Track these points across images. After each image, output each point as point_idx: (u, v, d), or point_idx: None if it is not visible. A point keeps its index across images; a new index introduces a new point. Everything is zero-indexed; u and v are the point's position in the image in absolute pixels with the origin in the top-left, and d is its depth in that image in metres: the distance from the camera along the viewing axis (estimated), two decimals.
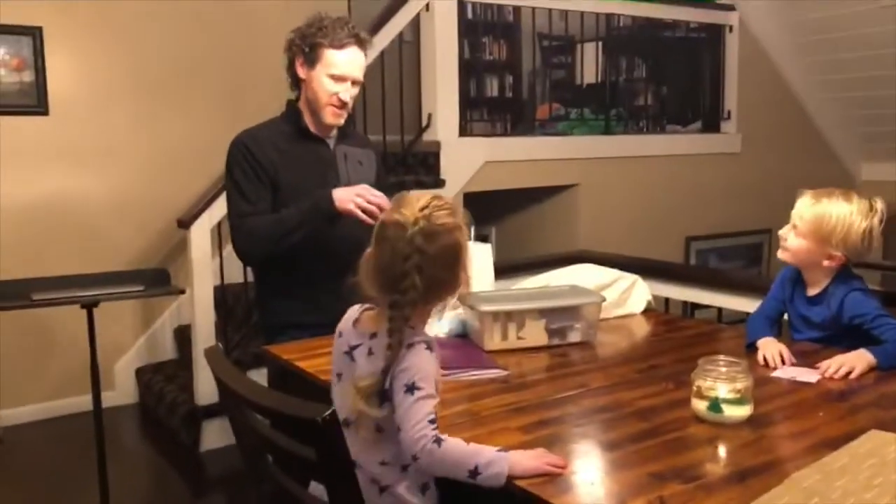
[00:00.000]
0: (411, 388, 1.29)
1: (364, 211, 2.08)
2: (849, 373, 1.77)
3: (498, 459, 1.27)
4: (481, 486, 1.26)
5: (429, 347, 1.34)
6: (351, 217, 2.10)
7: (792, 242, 2.01)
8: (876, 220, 1.93)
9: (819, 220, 1.95)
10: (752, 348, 2.01)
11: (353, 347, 1.41)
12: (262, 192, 2.21)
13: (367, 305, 1.44)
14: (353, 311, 1.46)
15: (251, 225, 2.19)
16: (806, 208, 1.98)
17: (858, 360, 1.80)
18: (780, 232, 2.04)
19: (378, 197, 2.10)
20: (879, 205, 1.95)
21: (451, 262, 1.35)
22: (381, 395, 1.32)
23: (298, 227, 2.15)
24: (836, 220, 1.93)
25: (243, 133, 2.29)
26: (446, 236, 1.34)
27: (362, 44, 2.25)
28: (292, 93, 2.33)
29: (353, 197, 2.10)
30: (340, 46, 2.20)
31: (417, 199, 1.35)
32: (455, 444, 1.29)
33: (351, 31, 2.22)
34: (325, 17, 2.22)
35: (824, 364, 1.81)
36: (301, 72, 2.24)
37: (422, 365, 1.31)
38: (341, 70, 2.21)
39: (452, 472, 1.28)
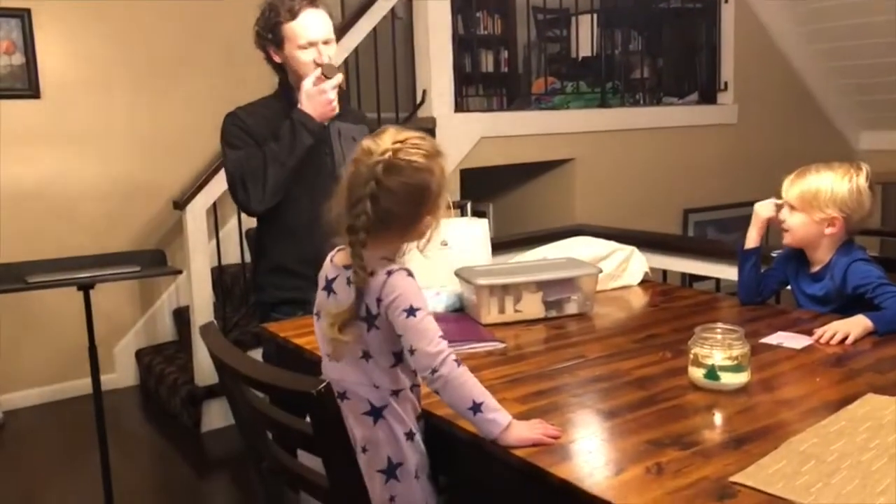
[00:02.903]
0: (411, 311, 1.31)
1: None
2: (844, 338, 1.77)
3: (502, 413, 1.30)
4: (473, 425, 1.31)
5: (409, 274, 1.36)
6: (328, 116, 2.19)
7: (791, 221, 2.01)
8: (861, 178, 1.95)
9: (804, 189, 1.98)
10: (745, 257, 2.12)
11: (332, 280, 1.43)
12: (253, 148, 2.21)
13: (341, 246, 1.45)
14: (331, 253, 1.48)
15: (242, 170, 2.19)
16: (791, 185, 2.02)
17: (855, 325, 1.80)
18: (780, 216, 2.04)
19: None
20: (864, 165, 1.98)
21: (411, 199, 1.35)
22: (366, 320, 1.34)
23: (286, 150, 2.16)
24: (820, 184, 1.96)
25: (236, 109, 2.30)
26: (410, 173, 1.34)
27: (315, 2, 2.24)
28: (277, 74, 2.32)
29: (315, 95, 2.15)
30: (295, 15, 2.19)
31: (398, 133, 1.36)
32: (470, 375, 1.33)
33: None
34: None
35: (820, 330, 1.81)
36: (276, 58, 2.25)
37: (410, 288, 1.34)
38: (307, 36, 2.20)
39: (459, 397, 1.31)
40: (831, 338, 1.78)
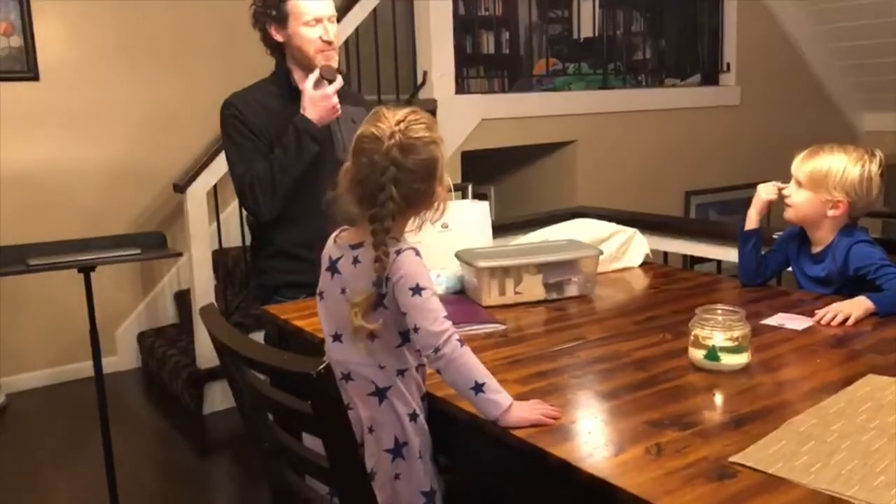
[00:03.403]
0: (417, 290, 1.32)
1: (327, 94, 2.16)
2: (845, 320, 1.77)
3: (504, 395, 1.31)
4: (474, 405, 1.31)
5: (417, 253, 1.37)
6: (330, 119, 2.18)
7: (795, 198, 2.00)
8: (874, 165, 1.93)
9: (815, 168, 1.96)
10: (745, 238, 2.12)
11: (335, 260, 1.43)
12: (257, 151, 2.20)
13: (343, 227, 1.46)
14: (333, 235, 1.48)
15: (250, 180, 2.18)
16: (802, 162, 2.00)
17: (856, 306, 1.79)
18: (784, 191, 2.03)
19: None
20: (878, 153, 1.95)
21: (427, 174, 1.36)
22: (375, 306, 1.35)
23: (293, 159, 2.15)
24: (832, 165, 1.94)
25: (232, 96, 2.27)
26: (422, 149, 1.35)
27: None
28: (274, 56, 2.30)
29: (318, 101, 2.15)
30: None
31: (394, 113, 1.36)
32: (473, 355, 1.33)
33: None
34: None
35: (821, 312, 1.80)
36: (278, 36, 2.22)
37: (418, 269, 1.34)
38: (313, 12, 2.18)
39: (462, 377, 1.31)
40: (832, 319, 1.77)
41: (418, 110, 1.39)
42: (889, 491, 1.03)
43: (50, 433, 3.65)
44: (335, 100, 2.18)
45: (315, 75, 2.17)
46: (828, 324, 1.77)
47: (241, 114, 2.21)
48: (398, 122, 1.34)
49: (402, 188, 1.33)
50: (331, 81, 2.18)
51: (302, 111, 2.16)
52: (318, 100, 2.16)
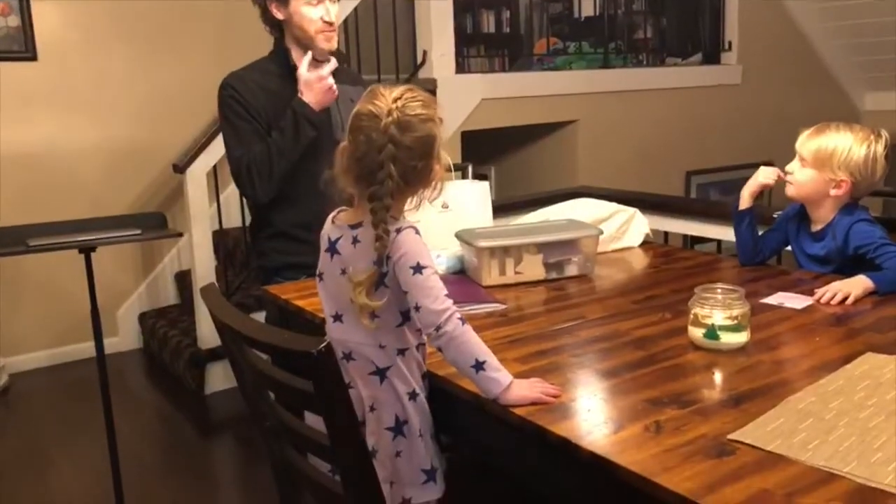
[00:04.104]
0: (418, 268, 1.32)
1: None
2: (845, 299, 1.77)
3: (504, 373, 1.31)
4: (475, 383, 1.32)
5: (417, 231, 1.37)
6: (328, 102, 2.17)
7: (798, 176, 1.99)
8: (879, 146, 1.92)
9: (821, 146, 1.95)
10: (739, 218, 2.13)
11: (335, 241, 1.43)
12: (255, 133, 2.19)
13: (340, 208, 1.46)
14: (331, 215, 1.48)
15: (247, 163, 2.18)
16: (808, 139, 1.98)
17: (855, 285, 1.80)
18: (787, 167, 2.03)
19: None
20: (884, 133, 1.94)
21: (425, 152, 1.36)
22: (377, 285, 1.36)
23: (290, 143, 2.15)
24: (837, 144, 1.93)
25: (230, 76, 2.26)
26: (420, 126, 1.34)
27: None
28: (273, 34, 2.29)
29: (314, 83, 2.13)
30: None
31: (391, 91, 1.36)
32: (474, 333, 1.34)
33: None
34: None
35: (820, 290, 1.81)
36: (279, 14, 2.20)
37: (418, 247, 1.34)
38: None
39: (462, 355, 1.32)
40: (832, 298, 1.78)
41: (415, 88, 1.39)
42: (886, 467, 1.04)
43: (52, 413, 3.67)
44: (331, 80, 2.17)
45: (308, 58, 2.16)
46: (827, 302, 1.77)
47: (239, 94, 2.20)
48: (395, 100, 1.33)
49: (401, 166, 1.32)
50: (324, 63, 2.16)
51: (299, 95, 2.16)
52: (314, 82, 2.15)
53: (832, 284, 1.82)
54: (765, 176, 2.09)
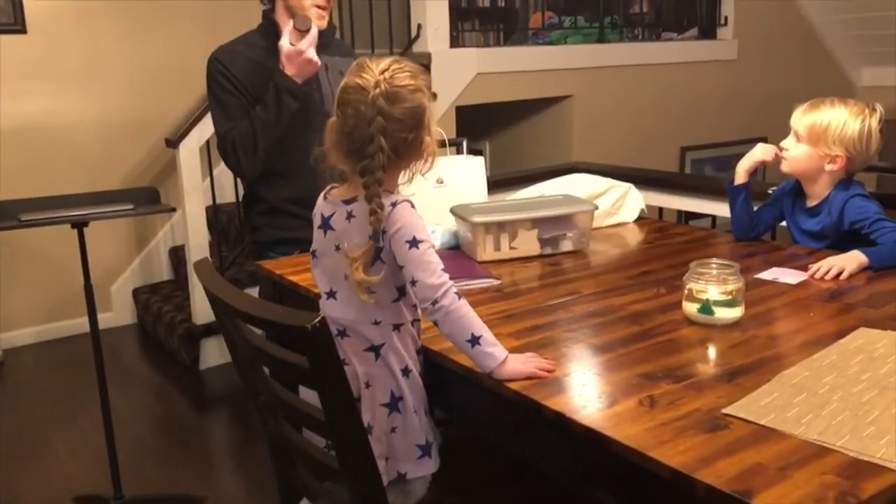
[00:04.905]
0: (414, 242, 1.32)
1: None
2: (839, 274, 1.78)
3: (499, 348, 1.32)
4: (470, 358, 1.32)
5: (412, 205, 1.36)
6: (309, 74, 2.14)
7: (793, 151, 1.99)
8: (874, 120, 1.92)
9: (815, 121, 1.95)
10: (735, 193, 2.13)
11: (328, 217, 1.42)
12: (242, 108, 2.18)
13: (332, 184, 1.45)
14: (323, 192, 1.47)
15: (233, 137, 2.17)
16: (802, 115, 1.98)
17: (850, 260, 1.80)
18: (782, 143, 2.02)
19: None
20: (879, 107, 1.94)
21: (415, 123, 1.35)
22: (373, 260, 1.35)
23: (273, 117, 2.13)
24: (831, 118, 1.93)
25: (218, 50, 2.24)
26: (409, 97, 1.33)
27: None
28: (264, 4, 2.27)
29: (294, 56, 2.11)
30: None
31: (378, 63, 1.34)
32: (470, 308, 1.34)
33: None
34: None
35: (815, 266, 1.81)
36: None
37: (413, 221, 1.34)
38: None
39: (458, 329, 1.32)
40: (826, 273, 1.78)
41: (402, 59, 1.37)
42: (878, 441, 1.05)
43: (47, 388, 3.68)
44: (311, 53, 2.13)
45: (289, 28, 2.13)
46: (821, 278, 1.78)
47: (226, 69, 2.19)
48: (382, 72, 1.32)
49: (391, 138, 1.31)
50: (305, 32, 2.13)
51: (281, 67, 2.14)
52: (294, 55, 2.12)
53: (826, 259, 1.82)
54: (763, 152, 2.08)
